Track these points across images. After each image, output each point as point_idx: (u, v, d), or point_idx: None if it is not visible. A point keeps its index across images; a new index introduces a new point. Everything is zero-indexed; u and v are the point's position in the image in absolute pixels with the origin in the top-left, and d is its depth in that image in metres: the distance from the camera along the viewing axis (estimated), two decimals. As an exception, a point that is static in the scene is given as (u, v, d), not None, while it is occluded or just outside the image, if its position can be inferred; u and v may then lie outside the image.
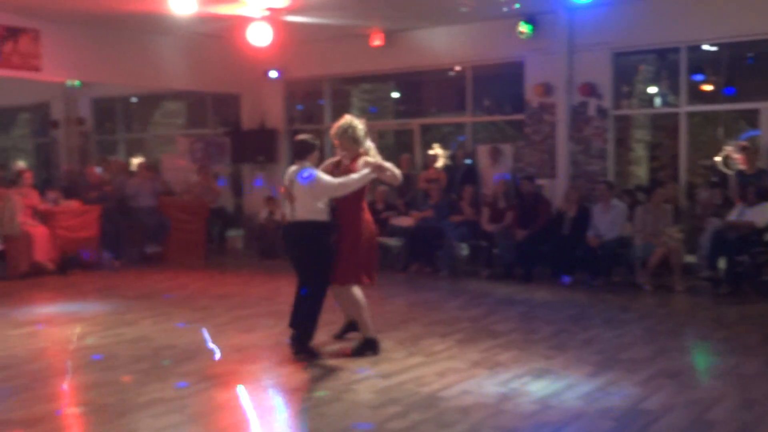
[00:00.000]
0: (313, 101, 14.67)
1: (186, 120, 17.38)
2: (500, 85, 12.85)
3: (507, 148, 12.02)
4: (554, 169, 11.38)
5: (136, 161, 15.35)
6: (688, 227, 9.95)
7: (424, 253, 10.88)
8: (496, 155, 11.77)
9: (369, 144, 6.31)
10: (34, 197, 10.98)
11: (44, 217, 10.95)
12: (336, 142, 6.24)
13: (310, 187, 6.04)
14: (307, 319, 6.19)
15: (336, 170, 6.26)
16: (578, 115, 11.20)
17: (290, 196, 6.06)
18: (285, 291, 9.38)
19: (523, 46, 11.41)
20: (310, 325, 6.21)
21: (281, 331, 7.07)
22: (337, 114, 14.41)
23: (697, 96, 11.40)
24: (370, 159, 6.19)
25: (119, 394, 5.24)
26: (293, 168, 6.19)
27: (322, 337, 6.62)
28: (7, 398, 5.18)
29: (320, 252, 6.07)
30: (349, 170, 6.18)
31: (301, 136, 6.34)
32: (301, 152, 6.18)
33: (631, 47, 11.00)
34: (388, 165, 6.15)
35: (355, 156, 6.22)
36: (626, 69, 11.44)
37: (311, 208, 6.06)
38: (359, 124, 6.23)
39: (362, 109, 15.14)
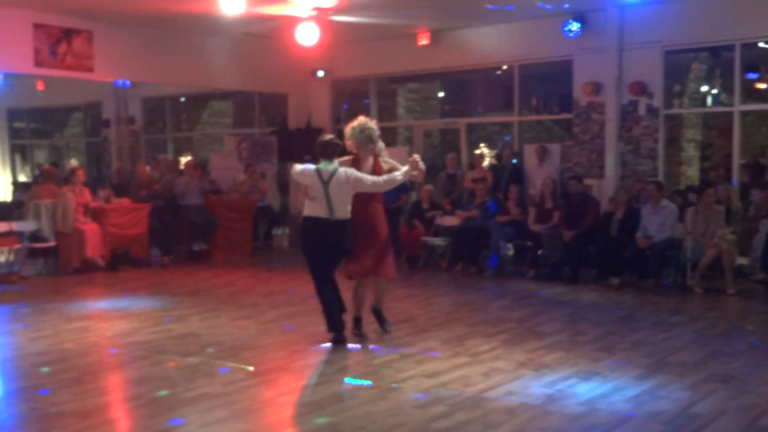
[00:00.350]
0: (359, 101, 14.74)
1: (233, 119, 17.61)
2: (548, 83, 12.77)
3: (554, 148, 11.92)
4: (602, 169, 11.25)
5: (184, 160, 15.61)
6: (741, 228, 9.74)
7: (469, 253, 10.86)
8: (543, 155, 11.67)
9: (381, 144, 6.59)
10: (86, 195, 11.21)
11: (96, 215, 11.19)
12: (349, 142, 6.49)
13: (354, 185, 6.24)
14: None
15: (357, 169, 6.42)
16: (628, 114, 11.05)
17: (326, 195, 6.24)
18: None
19: (571, 44, 11.30)
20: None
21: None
22: (383, 113, 14.57)
23: (752, 94, 11.16)
24: (388, 159, 6.61)
25: (168, 389, 5.33)
26: (322, 167, 6.30)
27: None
28: (60, 390, 5.30)
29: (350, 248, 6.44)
30: (376, 169, 6.47)
31: (328, 137, 6.49)
32: (330, 152, 6.35)
33: (683, 45, 10.82)
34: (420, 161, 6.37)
35: (369, 155, 6.50)
36: (678, 67, 11.25)
37: (348, 206, 6.33)
38: (374, 125, 6.53)
39: (408, 109, 15.16)
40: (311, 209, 6.33)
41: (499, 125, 14.26)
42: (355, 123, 6.50)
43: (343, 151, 6.54)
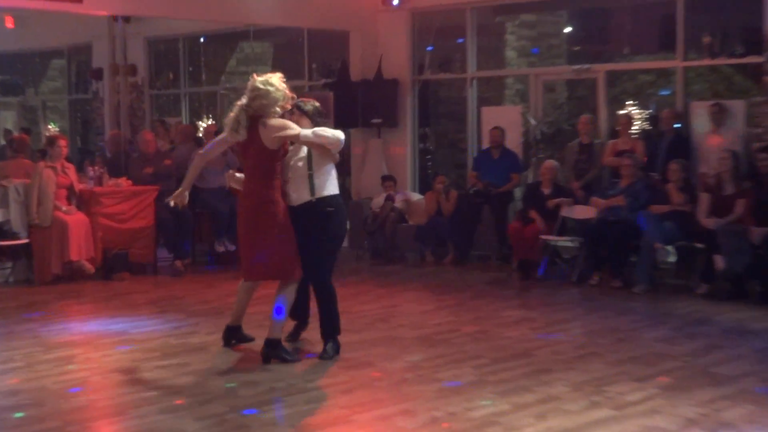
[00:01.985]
0: (449, 40, 14.66)
1: (273, 67, 17.74)
2: (726, 13, 12.50)
3: (737, 106, 11.65)
4: (809, 138, 10.97)
5: (204, 125, 15.78)
6: None
7: (610, 259, 10.75)
8: (719, 117, 11.42)
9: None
10: (70, 174, 11.40)
11: (83, 201, 11.39)
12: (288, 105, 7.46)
13: None
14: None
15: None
16: None
17: None
18: (406, 310, 9.57)
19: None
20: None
21: (405, 367, 7.17)
22: (484, 57, 14.45)
23: None
24: None
25: (183, 447, 5.40)
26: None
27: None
28: (35, 446, 5.42)
29: None
30: None
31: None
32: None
33: None
34: None
35: None
36: None
37: None
38: None
39: (521, 50, 15.00)
40: (336, 185, 7.47)
41: (655, 74, 13.99)
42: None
43: None
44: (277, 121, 7.25)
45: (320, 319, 7.56)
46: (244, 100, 7.32)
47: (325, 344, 7.48)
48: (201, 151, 7.81)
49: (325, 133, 7.23)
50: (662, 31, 12.91)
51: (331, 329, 7.51)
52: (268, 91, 7.24)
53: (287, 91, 7.35)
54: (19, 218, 11.12)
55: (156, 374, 7.01)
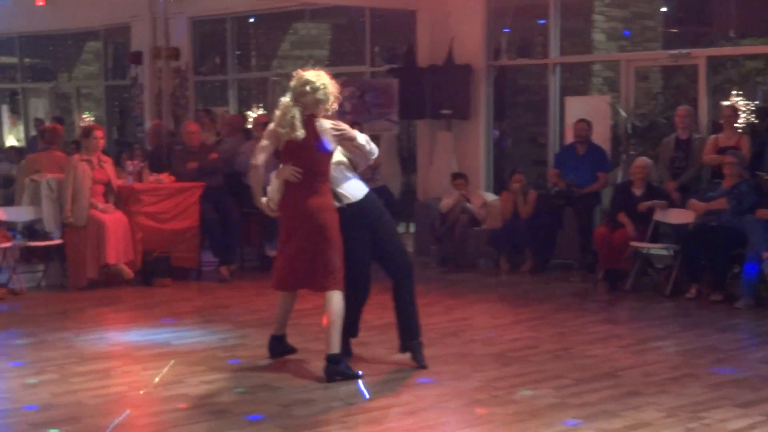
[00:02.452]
0: (529, 21, 14.62)
1: (330, 51, 17.80)
2: None
3: None
4: None
5: (253, 115, 15.88)
6: None
7: (710, 270, 10.66)
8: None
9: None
10: (107, 168, 11.55)
11: (121, 199, 11.55)
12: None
13: None
14: None
15: None
16: None
17: None
18: (478, 323, 9.61)
19: None
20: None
21: (477, 387, 7.19)
22: (569, 41, 14.37)
23: None
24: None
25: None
26: None
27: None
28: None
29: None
30: None
31: None
32: None
33: None
34: None
35: None
36: None
37: None
38: None
39: (611, 33, 14.92)
40: None
41: (763, 60, 13.82)
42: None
43: None
44: (333, 121, 7.42)
45: (406, 319, 7.79)
46: (290, 96, 7.40)
47: (418, 346, 7.73)
48: (253, 162, 7.76)
49: (372, 144, 7.57)
50: (772, 12, 12.80)
51: (418, 326, 7.83)
52: (325, 85, 7.36)
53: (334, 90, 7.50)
54: (51, 217, 11.29)
55: (201, 390, 7.09)
